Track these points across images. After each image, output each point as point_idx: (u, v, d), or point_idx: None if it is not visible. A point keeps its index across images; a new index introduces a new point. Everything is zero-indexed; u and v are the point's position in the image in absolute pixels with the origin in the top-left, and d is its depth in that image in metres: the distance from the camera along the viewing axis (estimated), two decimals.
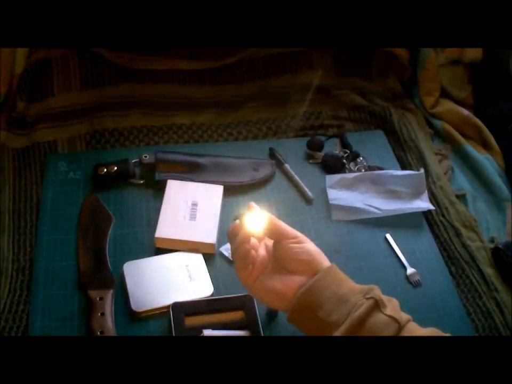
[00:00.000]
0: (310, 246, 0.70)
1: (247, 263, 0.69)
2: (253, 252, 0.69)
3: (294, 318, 0.68)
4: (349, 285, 0.67)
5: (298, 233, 0.71)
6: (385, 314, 0.63)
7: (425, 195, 0.96)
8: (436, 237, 0.94)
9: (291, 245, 0.69)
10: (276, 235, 0.71)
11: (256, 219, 0.70)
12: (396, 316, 0.63)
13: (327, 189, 0.97)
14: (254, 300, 0.79)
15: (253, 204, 0.72)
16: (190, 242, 0.86)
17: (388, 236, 0.92)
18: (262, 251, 0.72)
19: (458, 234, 0.92)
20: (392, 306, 0.65)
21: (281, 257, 0.70)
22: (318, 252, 0.70)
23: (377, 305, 0.64)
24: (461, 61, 1.17)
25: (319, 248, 0.71)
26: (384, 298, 0.65)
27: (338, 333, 0.62)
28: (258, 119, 1.10)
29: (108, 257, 0.85)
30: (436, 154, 1.07)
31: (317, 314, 0.65)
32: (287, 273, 0.69)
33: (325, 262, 0.69)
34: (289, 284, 0.68)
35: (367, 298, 0.64)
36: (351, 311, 0.63)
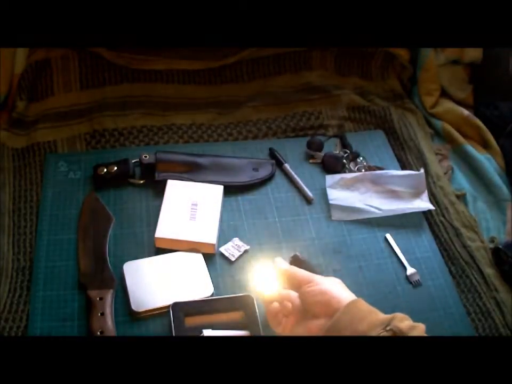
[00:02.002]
0: (324, 286, 0.70)
1: (280, 318, 0.73)
2: (285, 303, 0.72)
3: None
4: (371, 318, 0.65)
5: (313, 277, 0.72)
6: None
7: (425, 195, 0.96)
8: (436, 237, 0.93)
9: (308, 289, 0.71)
10: (294, 284, 0.73)
11: (275, 276, 0.75)
12: None
13: (327, 189, 0.97)
14: (254, 299, 0.79)
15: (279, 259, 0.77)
16: (190, 242, 0.86)
17: (388, 236, 0.92)
18: (296, 300, 0.73)
19: (458, 234, 0.92)
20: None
21: (303, 304, 0.72)
22: (336, 290, 0.70)
23: None
24: (461, 61, 1.17)
25: (339, 286, 0.71)
26: (406, 327, 0.62)
27: None
28: (258, 119, 1.10)
29: (107, 257, 0.85)
30: (436, 154, 1.07)
31: None
32: (311, 318, 0.70)
33: (344, 299, 0.68)
34: (312, 328, 0.69)
35: (387, 330, 0.62)
36: None
